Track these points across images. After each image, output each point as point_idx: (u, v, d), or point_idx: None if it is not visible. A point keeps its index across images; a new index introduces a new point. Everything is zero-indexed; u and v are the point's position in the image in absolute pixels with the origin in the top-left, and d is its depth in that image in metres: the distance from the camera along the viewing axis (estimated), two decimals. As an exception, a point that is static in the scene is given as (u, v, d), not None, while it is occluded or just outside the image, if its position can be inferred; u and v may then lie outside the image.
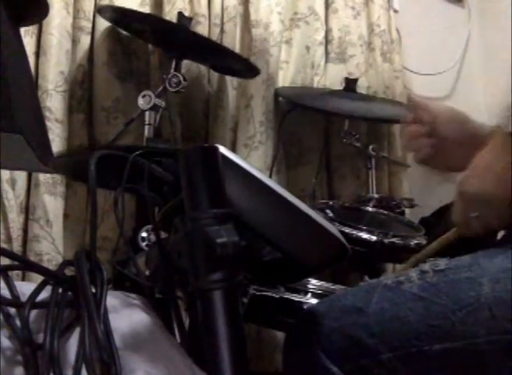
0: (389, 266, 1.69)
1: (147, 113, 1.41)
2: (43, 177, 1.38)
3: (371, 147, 1.69)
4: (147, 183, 0.76)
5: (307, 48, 1.81)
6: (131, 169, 0.76)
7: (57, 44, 1.43)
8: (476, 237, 0.84)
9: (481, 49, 2.39)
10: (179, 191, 0.68)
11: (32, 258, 1.33)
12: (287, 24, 1.80)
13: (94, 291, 0.64)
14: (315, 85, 1.82)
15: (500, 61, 2.19)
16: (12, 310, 0.63)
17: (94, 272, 0.66)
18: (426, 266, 0.78)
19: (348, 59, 1.86)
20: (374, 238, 1.26)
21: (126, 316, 0.68)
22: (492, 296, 0.71)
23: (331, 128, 1.81)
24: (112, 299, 0.68)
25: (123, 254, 1.01)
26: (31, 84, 1.13)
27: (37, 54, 1.44)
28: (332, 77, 1.84)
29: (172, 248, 0.70)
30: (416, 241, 1.30)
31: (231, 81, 1.68)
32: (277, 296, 1.02)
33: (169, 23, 1.47)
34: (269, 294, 1.02)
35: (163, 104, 1.41)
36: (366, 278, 1.29)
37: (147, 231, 1.31)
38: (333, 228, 0.79)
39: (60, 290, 0.65)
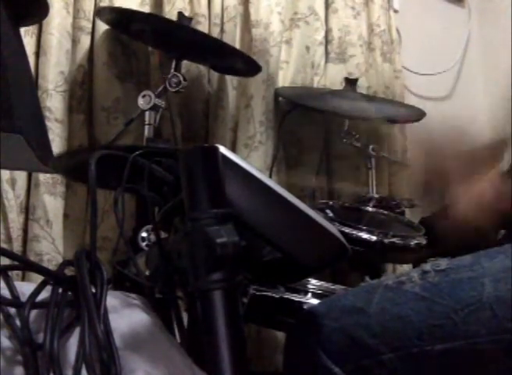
0: (389, 266, 1.69)
1: (147, 113, 1.41)
2: (43, 177, 1.38)
3: (371, 147, 1.69)
4: (147, 183, 0.76)
5: (307, 48, 1.81)
6: (131, 169, 0.76)
7: (57, 44, 1.43)
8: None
9: (481, 49, 2.39)
10: (179, 191, 0.68)
11: (32, 258, 1.33)
12: (287, 24, 1.80)
13: (94, 291, 0.64)
14: (315, 85, 1.82)
15: (500, 61, 2.19)
16: (12, 310, 0.63)
17: (94, 272, 0.66)
18: (428, 266, 0.78)
19: (348, 59, 1.86)
20: (374, 238, 1.26)
21: (126, 316, 0.67)
22: (493, 296, 0.71)
23: (331, 128, 1.80)
24: (112, 299, 0.68)
25: (123, 254, 1.01)
26: (31, 84, 1.13)
27: (37, 54, 1.44)
28: (332, 77, 1.84)
29: (172, 248, 0.70)
30: (416, 241, 1.30)
31: (231, 81, 1.68)
32: (277, 296, 1.02)
33: (169, 21, 1.47)
34: (269, 294, 1.02)
35: (163, 104, 1.41)
36: (367, 278, 1.29)
37: (147, 231, 1.31)
38: (333, 228, 0.79)
39: (60, 290, 0.65)
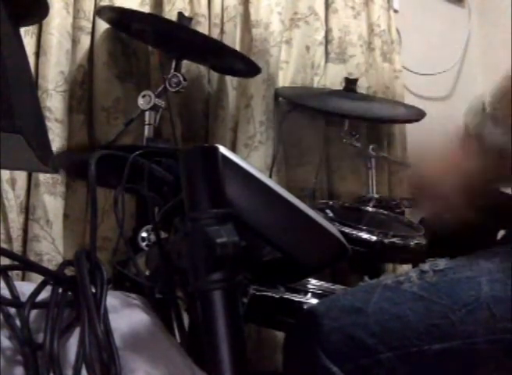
0: (389, 266, 1.69)
1: (147, 113, 1.41)
2: (43, 177, 1.38)
3: (371, 147, 1.69)
4: (147, 183, 0.76)
5: (307, 48, 1.81)
6: (131, 169, 0.76)
7: (57, 44, 1.43)
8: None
9: (481, 49, 2.39)
10: (179, 191, 0.68)
11: (32, 258, 1.33)
12: (287, 24, 1.80)
13: (94, 291, 0.64)
14: (315, 85, 1.82)
15: (500, 61, 2.19)
16: (12, 310, 0.63)
17: (94, 272, 0.66)
18: (426, 266, 0.78)
19: (348, 59, 1.86)
20: (374, 238, 1.26)
21: (126, 316, 0.68)
22: (491, 295, 0.72)
23: (331, 128, 1.80)
24: (112, 299, 0.68)
25: (123, 254, 1.01)
26: (31, 84, 1.13)
27: (37, 54, 1.44)
28: (332, 77, 1.84)
29: (172, 248, 0.70)
30: (416, 241, 1.30)
31: (231, 81, 1.68)
32: (277, 296, 1.02)
33: (169, 22, 1.47)
34: (269, 294, 1.02)
35: (163, 104, 1.41)
36: (366, 278, 1.29)
37: (147, 231, 1.31)
38: (333, 228, 0.79)
39: (60, 290, 0.65)
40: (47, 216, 1.38)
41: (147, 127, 1.42)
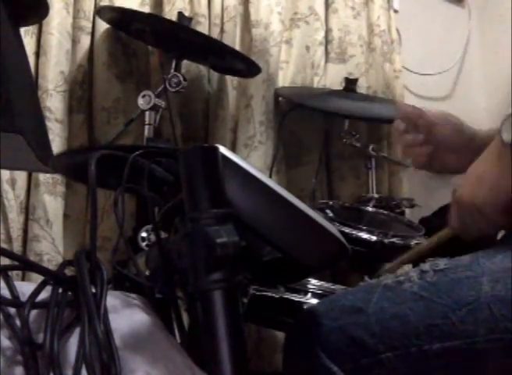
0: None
1: (147, 113, 1.41)
2: (43, 177, 1.38)
3: (371, 147, 1.69)
4: (147, 183, 0.76)
5: (307, 48, 1.81)
6: (131, 169, 0.76)
7: (57, 44, 1.43)
8: (471, 241, 0.85)
9: (481, 49, 2.39)
10: (179, 191, 0.68)
11: (32, 258, 1.33)
12: (287, 24, 1.80)
13: (94, 291, 0.64)
14: (315, 85, 1.82)
15: (500, 61, 2.19)
16: (12, 310, 0.63)
17: (94, 272, 0.66)
18: (426, 266, 0.78)
19: (348, 59, 1.86)
20: (374, 238, 1.26)
21: (126, 316, 0.68)
22: (491, 295, 0.71)
23: (331, 128, 1.81)
24: (112, 299, 0.68)
25: (123, 254, 1.01)
26: (31, 84, 1.13)
27: (37, 54, 1.44)
28: (332, 77, 1.84)
29: (172, 248, 0.70)
30: (416, 241, 1.30)
31: (231, 81, 1.68)
32: (277, 296, 1.02)
33: (170, 21, 1.47)
34: (269, 294, 1.02)
35: (163, 104, 1.41)
36: (366, 278, 1.29)
37: (147, 231, 1.31)
38: (333, 228, 0.79)
39: (60, 290, 0.65)
40: (47, 216, 1.38)
41: (147, 127, 1.42)
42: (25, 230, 1.39)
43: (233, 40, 1.68)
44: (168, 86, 1.41)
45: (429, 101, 2.18)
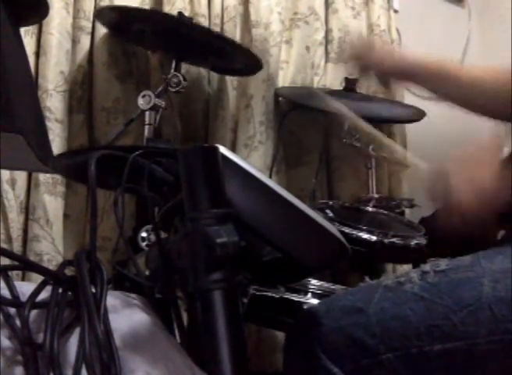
0: (389, 266, 1.69)
1: (147, 113, 1.41)
2: (43, 177, 1.38)
3: (371, 147, 1.68)
4: (147, 183, 0.76)
5: (307, 48, 1.81)
6: (131, 169, 0.76)
7: (57, 44, 1.43)
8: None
9: (481, 49, 2.39)
10: (179, 191, 0.68)
11: (32, 258, 1.33)
12: (287, 24, 1.80)
13: (94, 291, 0.64)
14: (315, 85, 1.82)
15: (500, 61, 2.19)
16: (12, 310, 0.63)
17: (94, 272, 0.66)
18: (427, 267, 0.78)
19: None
20: (374, 238, 1.26)
21: (126, 316, 0.67)
22: (492, 296, 0.71)
23: (331, 128, 1.80)
24: (112, 299, 0.68)
25: (123, 254, 1.01)
26: (31, 84, 1.13)
27: (37, 54, 1.44)
28: (332, 77, 1.84)
29: (172, 248, 0.70)
30: (416, 241, 1.30)
31: (231, 81, 1.68)
32: (277, 296, 1.02)
33: (171, 17, 1.46)
34: (269, 294, 1.02)
35: (163, 104, 1.41)
36: (366, 278, 1.29)
37: (147, 231, 1.31)
38: (333, 228, 0.79)
39: (60, 290, 0.65)
40: (47, 216, 1.38)
41: (147, 127, 1.42)
42: (25, 230, 1.39)
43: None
44: (168, 86, 1.40)
45: (429, 101, 2.17)
